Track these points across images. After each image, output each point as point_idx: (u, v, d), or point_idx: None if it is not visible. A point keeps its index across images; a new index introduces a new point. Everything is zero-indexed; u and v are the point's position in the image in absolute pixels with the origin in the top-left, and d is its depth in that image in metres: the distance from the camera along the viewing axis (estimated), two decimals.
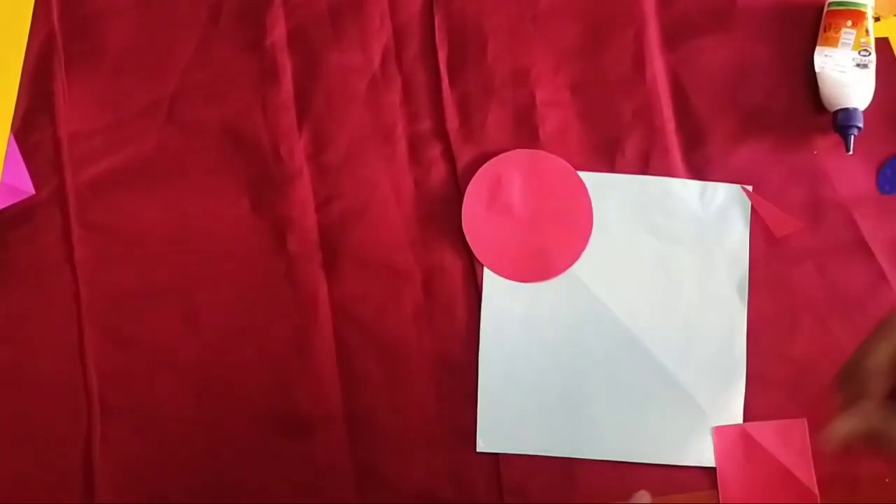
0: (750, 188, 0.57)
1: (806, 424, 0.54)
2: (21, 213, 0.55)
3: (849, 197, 0.57)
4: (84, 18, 0.57)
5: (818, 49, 0.57)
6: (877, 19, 0.57)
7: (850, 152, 0.56)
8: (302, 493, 0.54)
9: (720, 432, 0.54)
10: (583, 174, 0.57)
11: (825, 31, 0.57)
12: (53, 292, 0.55)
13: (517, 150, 0.57)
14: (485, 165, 0.56)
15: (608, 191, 0.57)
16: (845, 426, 0.39)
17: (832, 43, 0.56)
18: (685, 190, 0.57)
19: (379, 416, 0.54)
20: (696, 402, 0.55)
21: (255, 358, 0.55)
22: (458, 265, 0.56)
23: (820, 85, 0.56)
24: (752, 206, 0.56)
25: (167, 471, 0.54)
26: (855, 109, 0.55)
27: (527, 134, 0.57)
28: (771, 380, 0.55)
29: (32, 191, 0.55)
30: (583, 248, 0.56)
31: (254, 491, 0.54)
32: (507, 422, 0.54)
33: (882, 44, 0.58)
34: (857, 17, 0.57)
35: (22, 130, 0.56)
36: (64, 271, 0.55)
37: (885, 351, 0.40)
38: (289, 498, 0.54)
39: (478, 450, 0.54)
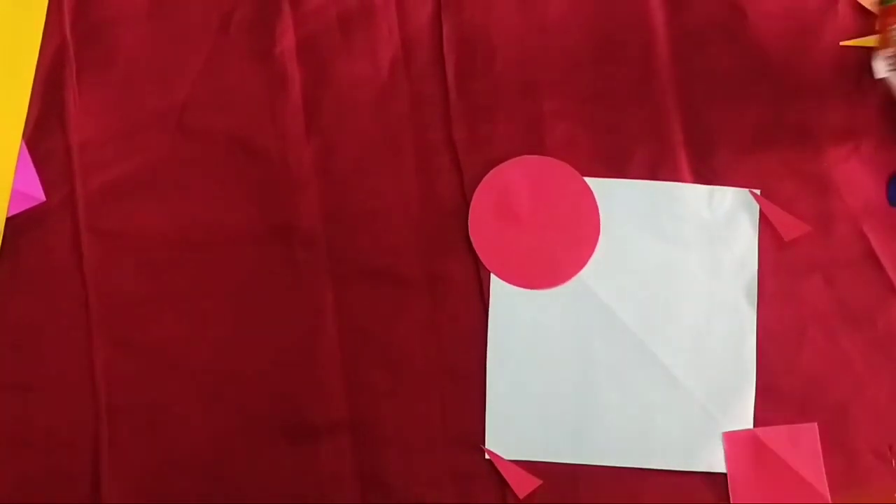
0: (758, 192, 0.56)
1: (816, 429, 0.54)
2: (32, 219, 0.56)
3: (858, 209, 0.57)
4: (95, 28, 0.58)
5: (879, 53, 0.55)
6: None
7: None
8: (307, 500, 0.54)
9: (730, 437, 0.54)
10: (589, 180, 0.57)
11: (883, 30, 0.55)
12: (62, 298, 0.55)
13: (524, 156, 0.57)
14: (492, 171, 0.56)
15: (615, 196, 0.57)
16: None
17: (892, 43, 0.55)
18: (693, 194, 0.57)
19: (384, 424, 0.55)
20: (705, 407, 0.55)
21: (261, 365, 0.55)
22: (464, 274, 0.56)
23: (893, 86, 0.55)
24: (761, 210, 0.56)
25: (173, 476, 0.54)
26: None
27: (534, 145, 0.57)
28: (780, 392, 0.55)
29: (43, 198, 0.56)
30: (590, 254, 0.56)
31: (259, 497, 0.54)
32: (514, 429, 0.55)
33: None
34: None
35: (33, 138, 0.56)
36: (73, 277, 0.56)
37: None
38: None
39: (486, 457, 0.54)
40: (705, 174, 0.57)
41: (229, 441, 0.54)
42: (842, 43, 0.58)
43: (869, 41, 0.57)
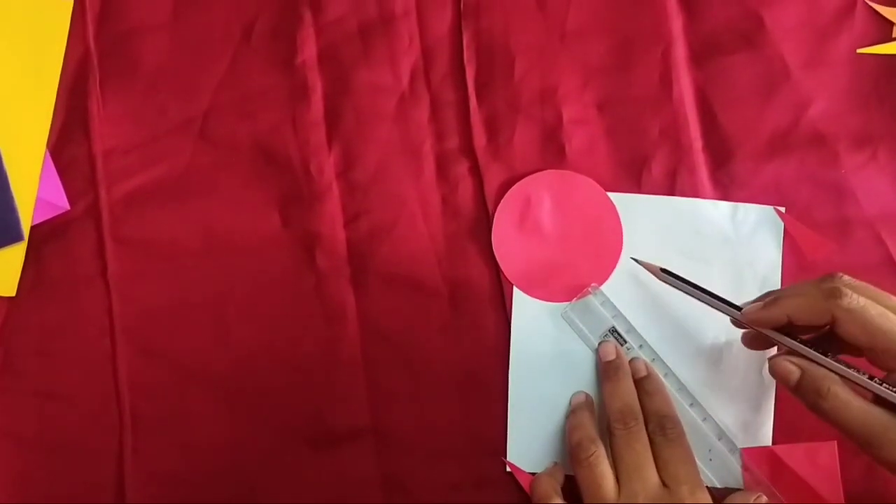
0: (783, 209, 0.56)
1: (835, 447, 0.54)
2: (56, 228, 0.56)
3: (876, 216, 0.57)
4: (118, 37, 0.58)
5: None
6: None
7: None
8: None
9: (748, 453, 0.54)
10: (612, 195, 0.57)
11: None
12: (87, 306, 0.56)
13: (547, 170, 0.57)
14: (515, 186, 0.56)
15: (638, 211, 0.57)
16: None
17: None
18: (716, 211, 0.57)
19: (406, 430, 0.55)
20: (724, 423, 0.54)
21: (284, 371, 0.55)
22: (484, 281, 0.56)
23: None
24: (785, 228, 0.56)
25: (197, 483, 0.54)
26: None
27: (554, 151, 0.57)
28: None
29: (67, 206, 0.56)
30: (612, 269, 0.56)
31: (283, 503, 0.54)
32: (536, 442, 0.54)
33: None
34: None
35: (57, 147, 0.57)
36: (97, 285, 0.56)
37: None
38: None
39: (507, 469, 0.54)
40: (724, 181, 0.57)
41: (252, 448, 0.55)
42: (858, 51, 0.58)
43: (885, 48, 0.58)
